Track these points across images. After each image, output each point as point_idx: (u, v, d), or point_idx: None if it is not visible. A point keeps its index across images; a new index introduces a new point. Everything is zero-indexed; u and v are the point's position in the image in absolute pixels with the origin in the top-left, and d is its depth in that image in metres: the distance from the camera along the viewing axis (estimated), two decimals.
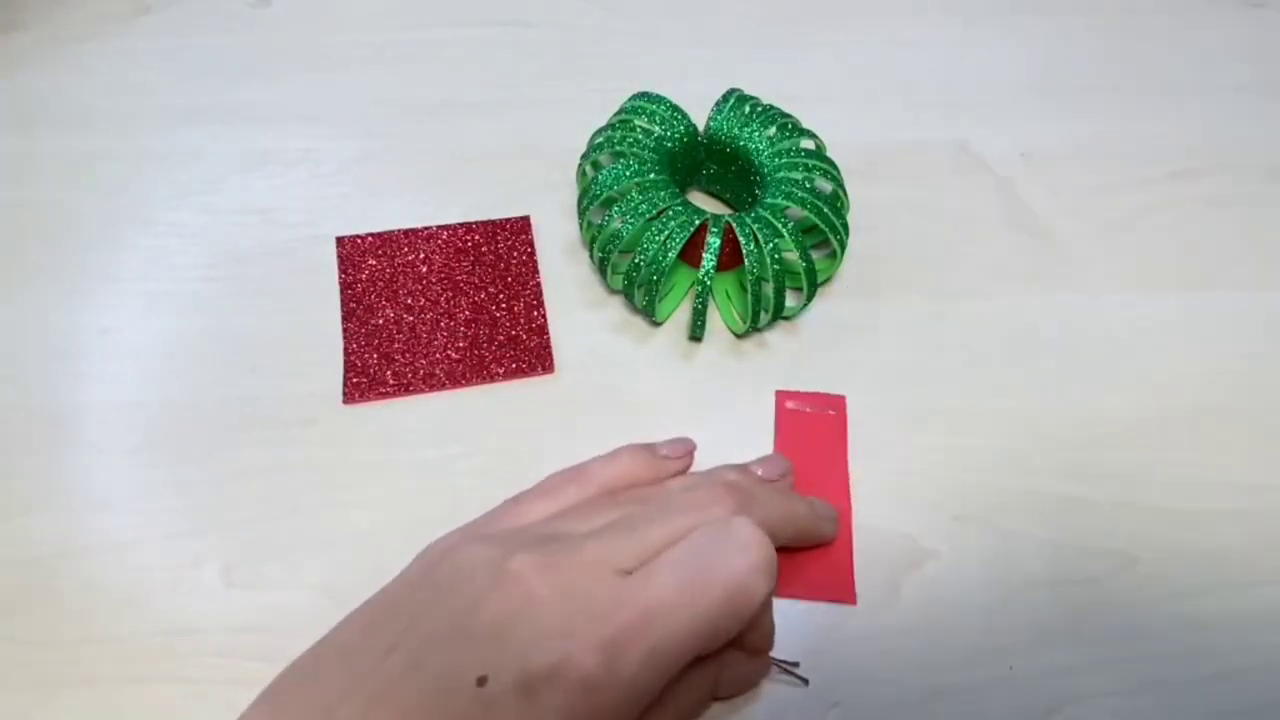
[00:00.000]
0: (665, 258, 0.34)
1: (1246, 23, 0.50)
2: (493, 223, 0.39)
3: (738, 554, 0.25)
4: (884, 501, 0.33)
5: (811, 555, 0.31)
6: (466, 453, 0.34)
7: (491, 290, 0.37)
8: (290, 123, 0.43)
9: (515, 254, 0.38)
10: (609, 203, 0.35)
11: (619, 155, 0.37)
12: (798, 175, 0.36)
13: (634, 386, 0.36)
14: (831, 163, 0.37)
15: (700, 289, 0.34)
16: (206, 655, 0.29)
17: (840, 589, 0.31)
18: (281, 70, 0.45)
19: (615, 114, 0.38)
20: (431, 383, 0.35)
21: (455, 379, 0.35)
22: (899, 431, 0.35)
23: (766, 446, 0.34)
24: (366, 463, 0.33)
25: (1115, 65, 0.47)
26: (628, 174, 0.35)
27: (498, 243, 0.39)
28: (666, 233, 0.34)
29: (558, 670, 0.22)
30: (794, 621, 0.30)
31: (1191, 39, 0.48)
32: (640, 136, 0.37)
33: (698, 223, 0.34)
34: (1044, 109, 0.45)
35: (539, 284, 0.38)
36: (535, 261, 0.38)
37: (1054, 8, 0.50)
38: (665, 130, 0.37)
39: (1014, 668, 0.30)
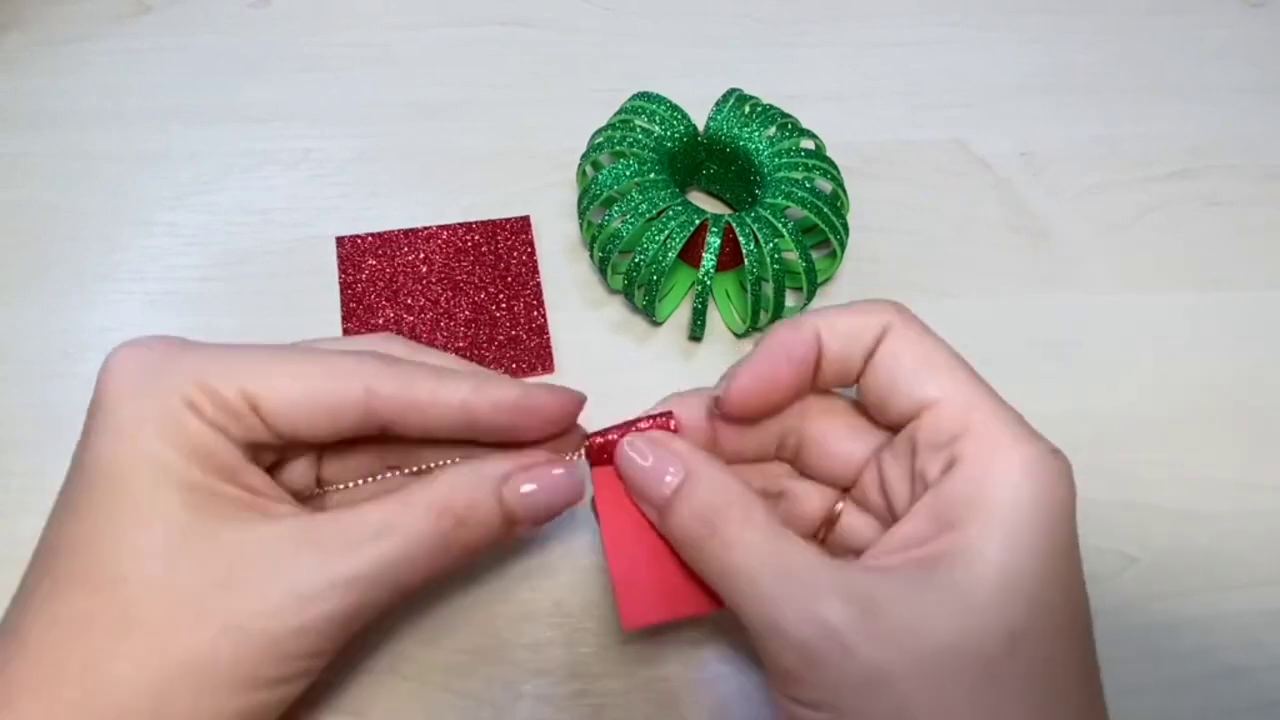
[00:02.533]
0: (665, 257, 0.34)
1: (1246, 23, 0.50)
2: (493, 223, 0.39)
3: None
4: None
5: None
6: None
7: (491, 290, 0.37)
8: (290, 123, 0.43)
9: (515, 254, 0.38)
10: (609, 203, 0.35)
11: (619, 155, 0.37)
12: (798, 175, 0.36)
13: (634, 386, 0.35)
14: (831, 163, 0.37)
15: (700, 289, 0.34)
16: None
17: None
18: (281, 70, 0.45)
19: (615, 114, 0.38)
20: None
21: None
22: None
23: None
24: None
25: (1115, 65, 0.47)
26: (628, 174, 0.35)
27: (498, 243, 0.39)
28: (666, 232, 0.34)
29: None
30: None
31: (1191, 39, 0.48)
32: (640, 136, 0.37)
33: (698, 222, 0.34)
34: (1044, 109, 0.45)
35: (539, 284, 0.38)
36: (535, 261, 0.38)
37: (1054, 8, 0.50)
38: (665, 130, 0.37)
39: None
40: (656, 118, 0.37)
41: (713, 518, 0.22)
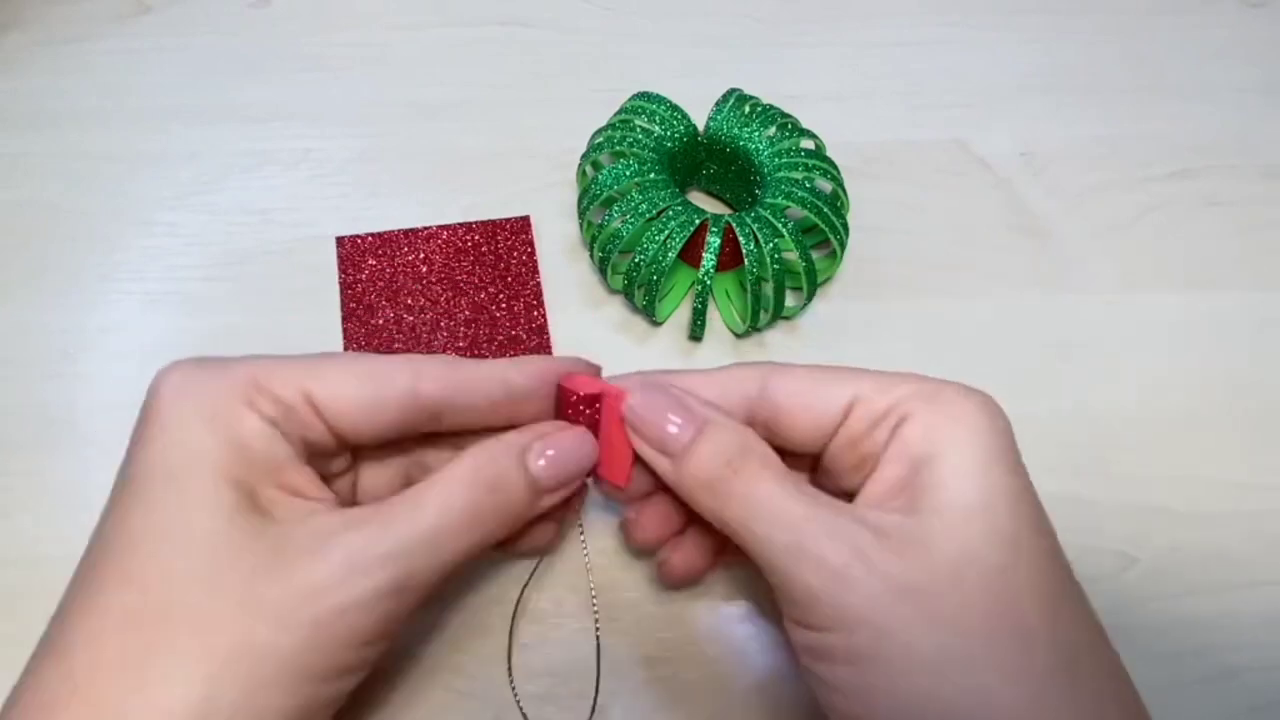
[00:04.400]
0: (665, 257, 0.34)
1: (1246, 23, 0.50)
2: (493, 223, 0.39)
3: None
4: None
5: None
6: None
7: (491, 290, 0.37)
8: (290, 123, 0.43)
9: (515, 254, 0.38)
10: (609, 203, 0.35)
11: (619, 155, 0.37)
12: (798, 175, 0.36)
13: None
14: (831, 163, 0.37)
15: (700, 289, 0.34)
16: None
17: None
18: (281, 70, 0.45)
19: (615, 114, 0.38)
20: None
21: None
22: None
23: None
24: None
25: (1115, 65, 0.47)
26: (628, 174, 0.35)
27: (498, 243, 0.39)
28: (666, 232, 0.34)
29: None
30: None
31: (1191, 39, 0.48)
32: (640, 136, 0.37)
33: (698, 222, 0.34)
34: (1044, 109, 0.45)
35: (539, 284, 0.38)
36: (535, 261, 0.38)
37: (1054, 8, 0.50)
38: (665, 130, 0.37)
39: None
40: (656, 118, 0.37)
41: (735, 459, 0.24)
